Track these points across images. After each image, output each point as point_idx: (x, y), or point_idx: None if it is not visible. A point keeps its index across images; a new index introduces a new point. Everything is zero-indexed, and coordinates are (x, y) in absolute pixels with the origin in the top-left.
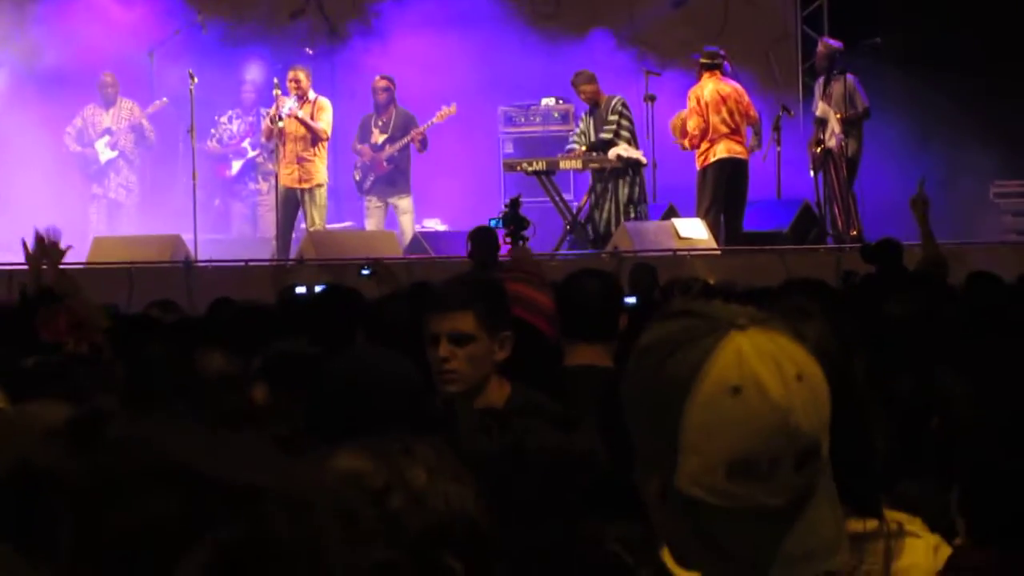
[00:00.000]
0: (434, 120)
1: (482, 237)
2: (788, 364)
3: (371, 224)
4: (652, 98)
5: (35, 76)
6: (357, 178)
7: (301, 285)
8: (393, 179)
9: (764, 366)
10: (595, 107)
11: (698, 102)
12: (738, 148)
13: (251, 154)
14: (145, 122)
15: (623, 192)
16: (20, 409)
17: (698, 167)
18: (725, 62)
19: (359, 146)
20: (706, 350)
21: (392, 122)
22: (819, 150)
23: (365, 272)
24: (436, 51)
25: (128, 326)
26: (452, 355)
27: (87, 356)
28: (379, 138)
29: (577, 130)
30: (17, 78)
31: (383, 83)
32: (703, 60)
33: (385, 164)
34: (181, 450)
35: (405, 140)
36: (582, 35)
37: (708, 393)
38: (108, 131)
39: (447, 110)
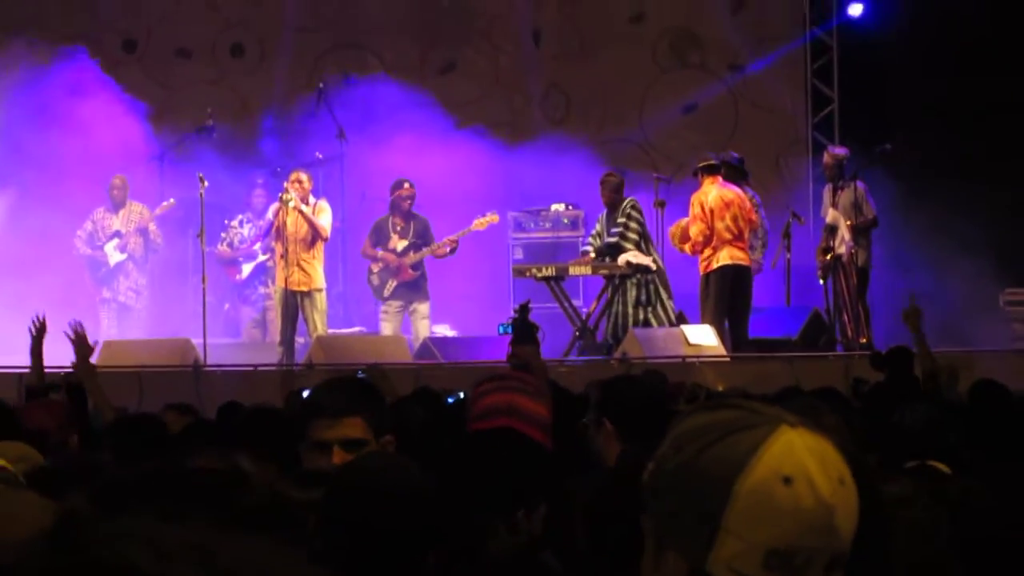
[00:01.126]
0: (473, 227)
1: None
2: (833, 466)
3: (387, 328)
4: (662, 204)
5: (47, 180)
6: (375, 283)
7: (308, 390)
8: (417, 284)
9: (815, 463)
10: (612, 208)
11: (702, 208)
12: (741, 255)
13: (261, 258)
14: (152, 225)
15: (631, 294)
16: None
17: (701, 273)
18: (735, 162)
19: (380, 252)
20: (759, 438)
21: (412, 228)
22: (828, 257)
23: (360, 376)
24: (445, 156)
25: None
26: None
27: (74, 450)
28: (399, 243)
29: (593, 231)
30: (29, 182)
31: (411, 190)
32: (700, 165)
33: (411, 271)
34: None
35: (437, 246)
36: (592, 140)
37: (759, 479)
38: (117, 234)
39: (489, 217)
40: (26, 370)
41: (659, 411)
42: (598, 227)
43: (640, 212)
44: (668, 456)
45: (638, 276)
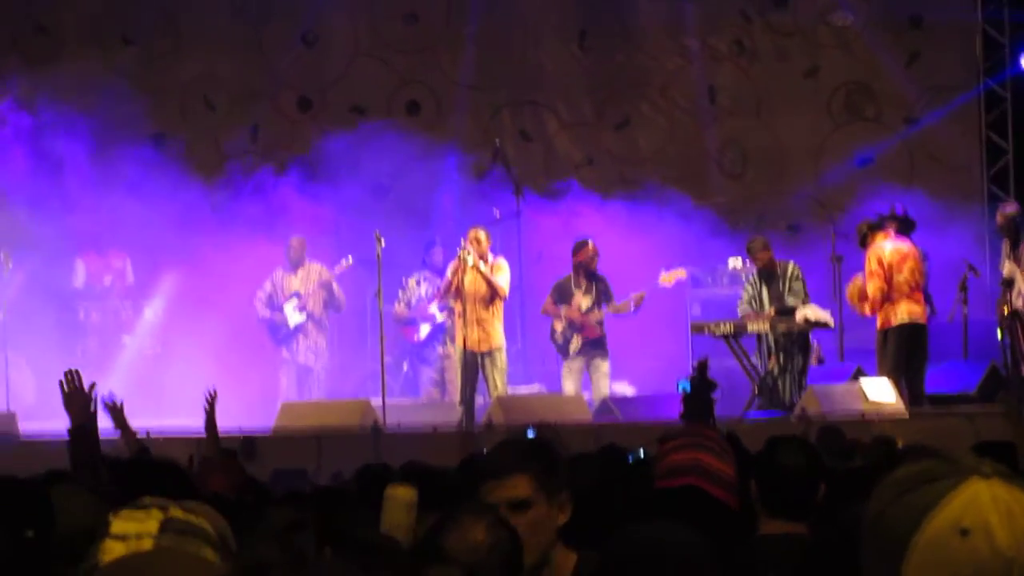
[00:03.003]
0: (660, 282)
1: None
2: (1022, 518)
3: (569, 387)
4: (839, 259)
5: (224, 242)
6: (559, 341)
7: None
8: (599, 341)
9: (997, 514)
10: (770, 273)
11: (879, 264)
12: (918, 310)
13: (440, 318)
14: (335, 284)
15: (798, 362)
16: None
17: (878, 328)
18: (900, 215)
19: (562, 309)
20: (944, 490)
21: (595, 287)
22: (1006, 311)
23: (530, 435)
24: (623, 214)
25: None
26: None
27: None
28: (583, 301)
29: (745, 295)
30: (205, 247)
31: (594, 250)
32: (865, 227)
33: (597, 328)
34: None
35: (624, 306)
36: (769, 197)
37: (936, 531)
38: (296, 295)
39: (676, 272)
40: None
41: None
42: (750, 290)
43: (804, 276)
44: (871, 506)
45: (802, 343)
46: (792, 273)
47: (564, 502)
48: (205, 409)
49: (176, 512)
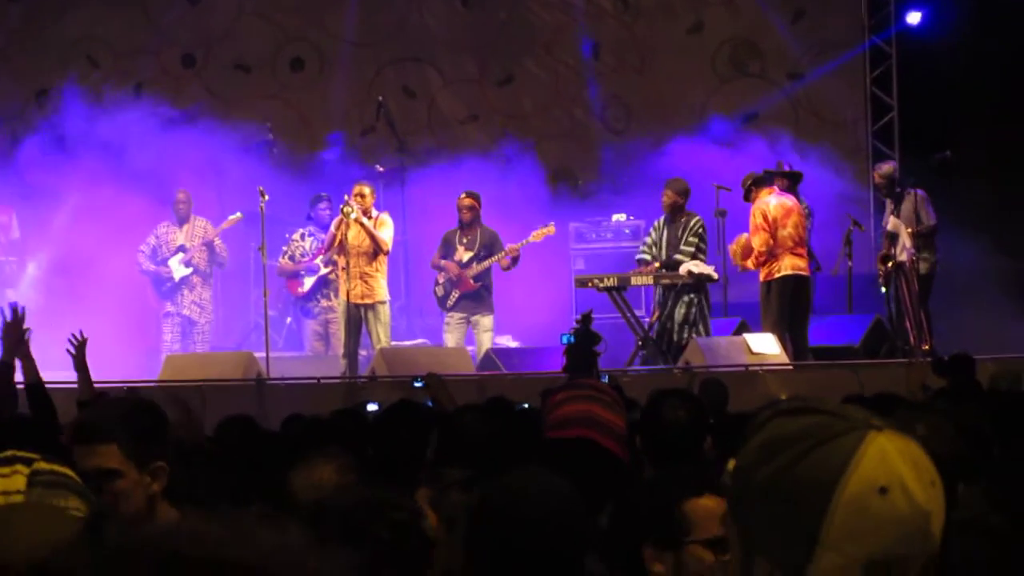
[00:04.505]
0: (530, 239)
1: (580, 347)
2: (925, 470)
3: (451, 340)
4: (723, 213)
5: (107, 194)
6: (439, 294)
7: (373, 402)
8: (480, 296)
9: (908, 468)
10: (673, 219)
11: (764, 218)
12: (802, 263)
13: (323, 271)
14: (218, 240)
15: (679, 311)
16: (40, 505)
17: (762, 281)
18: (786, 171)
19: (443, 262)
20: (850, 447)
21: (478, 240)
22: (890, 265)
23: (417, 384)
24: (507, 170)
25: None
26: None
27: None
28: (464, 255)
29: (647, 239)
30: (89, 200)
31: (468, 201)
32: (749, 181)
33: (473, 282)
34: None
35: (497, 257)
36: (653, 149)
37: (855, 492)
38: (182, 248)
39: (545, 229)
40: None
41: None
42: (653, 235)
43: (707, 231)
44: (757, 465)
45: (689, 294)
46: (693, 227)
47: (158, 470)
48: (71, 352)
49: (41, 464)
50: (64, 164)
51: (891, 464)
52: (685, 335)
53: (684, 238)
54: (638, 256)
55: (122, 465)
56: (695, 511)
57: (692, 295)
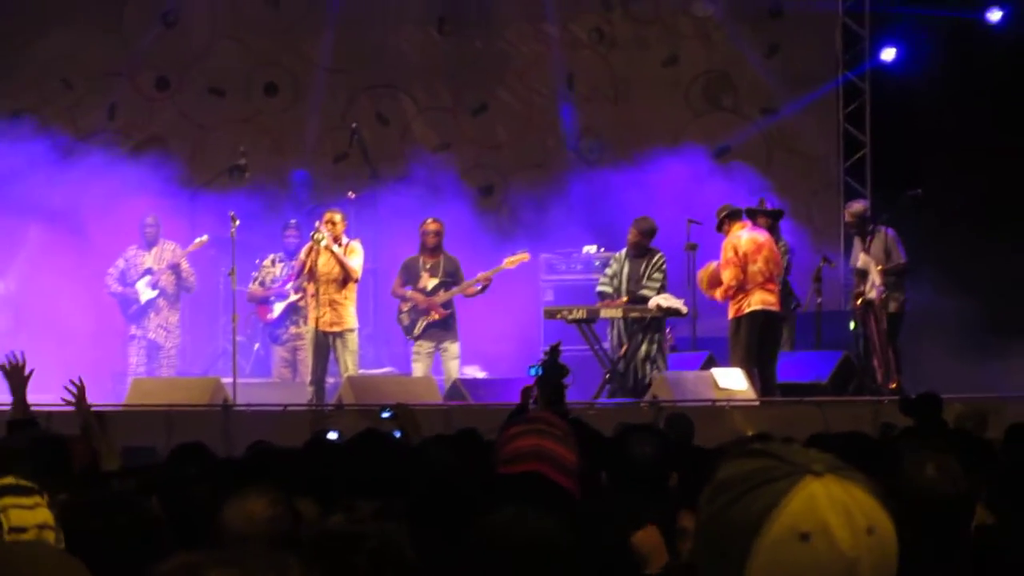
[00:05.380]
0: (504, 265)
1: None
2: (860, 516)
3: (419, 369)
4: (694, 247)
5: (77, 218)
6: (405, 322)
7: (333, 431)
8: (447, 324)
9: (835, 515)
10: (637, 255)
11: (735, 252)
12: (771, 299)
13: (293, 297)
14: (184, 263)
15: (643, 348)
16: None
17: (730, 317)
18: (762, 207)
19: (408, 291)
20: (779, 493)
21: (442, 267)
22: (859, 302)
23: (385, 415)
24: (479, 198)
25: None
26: None
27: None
28: (429, 282)
29: (607, 271)
30: (59, 219)
31: (435, 226)
32: (724, 214)
33: (442, 310)
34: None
35: (468, 284)
36: (625, 181)
37: (776, 537)
38: (149, 271)
39: (519, 256)
40: (52, 408)
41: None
42: (614, 266)
43: (665, 268)
44: (703, 505)
45: (651, 329)
46: (656, 262)
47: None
48: (5, 371)
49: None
50: (32, 187)
51: (817, 510)
52: (648, 370)
53: (648, 273)
54: (599, 288)
55: None
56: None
57: (655, 331)
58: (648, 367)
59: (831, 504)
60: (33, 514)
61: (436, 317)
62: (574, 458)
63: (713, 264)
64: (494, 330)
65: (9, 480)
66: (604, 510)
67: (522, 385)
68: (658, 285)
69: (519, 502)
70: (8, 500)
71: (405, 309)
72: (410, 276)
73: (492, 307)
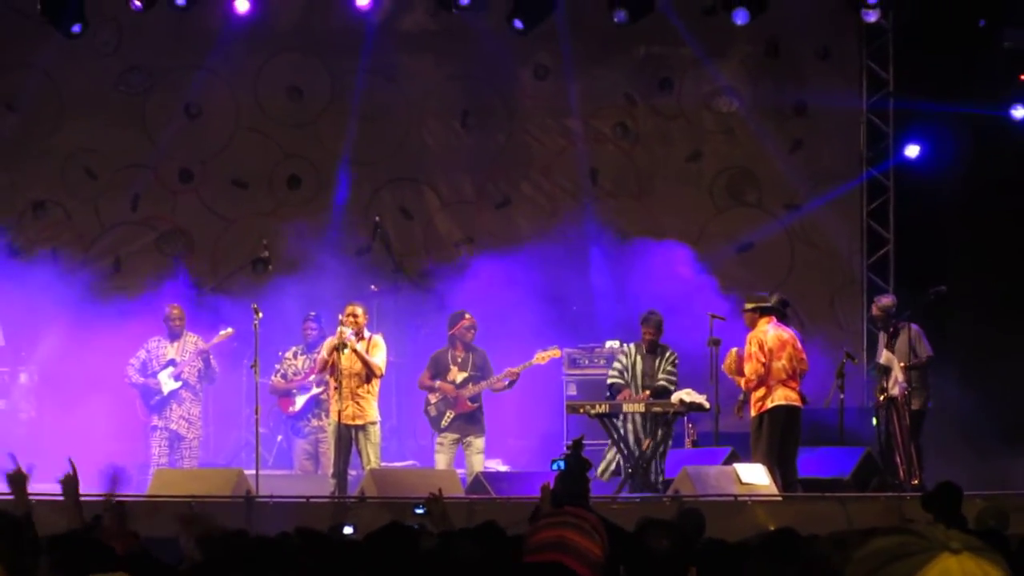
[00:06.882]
0: (534, 361)
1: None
2: None
3: (443, 461)
4: (717, 342)
5: (99, 310)
6: (432, 414)
7: (349, 525)
8: (475, 417)
9: None
10: (651, 351)
11: (760, 348)
12: (794, 395)
13: (315, 390)
14: (211, 355)
15: (664, 443)
16: None
17: (753, 413)
18: (785, 307)
19: (438, 383)
20: (916, 566)
21: (471, 360)
22: (882, 398)
23: (419, 511)
24: (501, 294)
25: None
26: None
27: None
28: (458, 376)
29: (616, 365)
30: (82, 312)
31: (471, 321)
32: (750, 306)
33: (470, 403)
34: None
35: (497, 379)
36: (648, 276)
37: None
38: (172, 362)
39: (550, 352)
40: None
41: None
42: (624, 360)
43: (678, 364)
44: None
45: (662, 427)
46: (669, 357)
47: None
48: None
49: None
50: (57, 276)
51: None
52: (651, 471)
53: (662, 367)
54: (611, 381)
55: None
56: None
57: (664, 430)
58: (659, 460)
59: None
60: None
61: (464, 409)
62: (599, 552)
63: (735, 349)
64: (517, 424)
65: None
66: None
67: (544, 479)
68: (674, 379)
69: None
70: None
71: (433, 401)
72: (439, 369)
73: (515, 401)
